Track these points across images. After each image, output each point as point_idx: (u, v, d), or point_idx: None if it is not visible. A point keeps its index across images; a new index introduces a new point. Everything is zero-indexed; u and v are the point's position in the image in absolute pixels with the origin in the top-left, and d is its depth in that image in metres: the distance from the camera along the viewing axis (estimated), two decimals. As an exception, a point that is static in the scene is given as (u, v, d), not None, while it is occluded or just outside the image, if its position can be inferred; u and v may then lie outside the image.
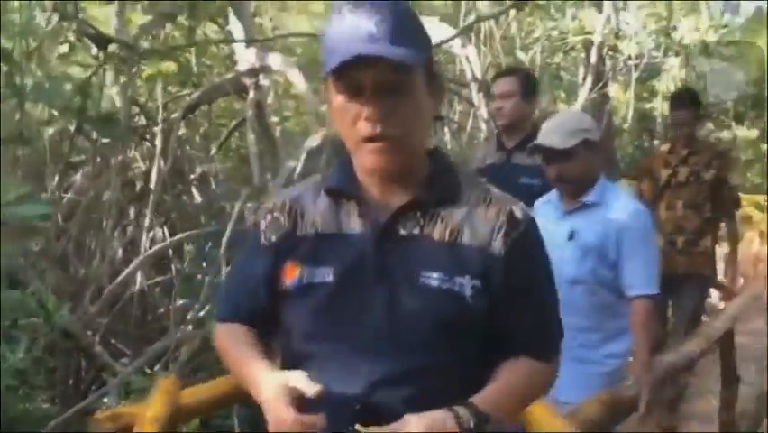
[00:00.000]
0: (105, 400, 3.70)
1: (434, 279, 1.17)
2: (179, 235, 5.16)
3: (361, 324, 1.17)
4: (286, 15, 12.64)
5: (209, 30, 7.44)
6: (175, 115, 5.85)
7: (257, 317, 1.26)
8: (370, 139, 1.14)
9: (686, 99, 3.46)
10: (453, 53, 4.82)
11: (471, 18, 5.11)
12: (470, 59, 5.03)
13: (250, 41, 5.54)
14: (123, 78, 4.71)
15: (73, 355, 4.08)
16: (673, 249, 3.37)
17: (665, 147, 3.51)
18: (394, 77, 1.11)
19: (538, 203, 2.64)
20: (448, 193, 1.23)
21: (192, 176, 6.06)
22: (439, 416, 1.09)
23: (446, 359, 1.18)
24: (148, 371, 4.19)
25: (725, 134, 11.06)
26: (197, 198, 6.11)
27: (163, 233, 6.08)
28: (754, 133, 10.89)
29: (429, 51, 1.22)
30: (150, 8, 5.97)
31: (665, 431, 3.33)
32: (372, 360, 1.16)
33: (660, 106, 9.46)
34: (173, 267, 5.81)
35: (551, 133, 2.43)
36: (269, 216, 1.27)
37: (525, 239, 1.23)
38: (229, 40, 5.28)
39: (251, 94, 6.23)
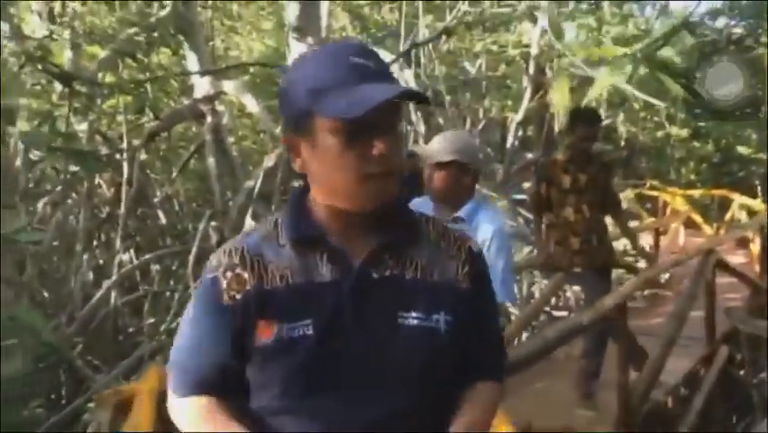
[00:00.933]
0: (88, 406, 4.15)
1: (412, 318, 1.19)
2: (147, 256, 5.60)
3: (346, 372, 1.16)
4: (237, 36, 13.08)
5: (163, 57, 7.90)
6: (136, 143, 6.31)
7: (226, 384, 1.21)
8: (382, 174, 1.14)
9: (590, 118, 4.02)
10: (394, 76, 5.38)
11: (408, 44, 5.68)
12: (408, 82, 5.60)
13: (205, 72, 6.02)
14: (89, 112, 5.14)
15: (56, 369, 4.49)
16: (590, 247, 3.93)
17: (563, 156, 3.98)
18: (393, 115, 1.14)
19: (414, 204, 2.69)
20: (411, 233, 1.25)
21: (156, 199, 6.50)
22: None
23: (431, 395, 1.20)
24: (124, 382, 4.63)
25: (659, 134, 11.92)
26: (162, 219, 6.56)
27: (130, 255, 6.51)
28: (684, 132, 11.73)
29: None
30: (105, 43, 6.43)
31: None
32: (357, 408, 1.16)
33: (600, 98, 10.21)
34: (140, 287, 6.25)
35: (452, 152, 2.54)
36: (229, 273, 1.20)
37: (483, 272, 1.30)
38: (186, 72, 5.75)
39: (209, 118, 6.73)
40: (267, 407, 1.19)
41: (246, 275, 1.19)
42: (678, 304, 4.15)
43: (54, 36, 5.01)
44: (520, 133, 11.62)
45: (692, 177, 11.55)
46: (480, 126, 11.50)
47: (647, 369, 3.65)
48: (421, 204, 2.64)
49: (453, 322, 1.21)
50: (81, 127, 5.56)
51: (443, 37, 6.02)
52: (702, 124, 10.30)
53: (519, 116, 10.22)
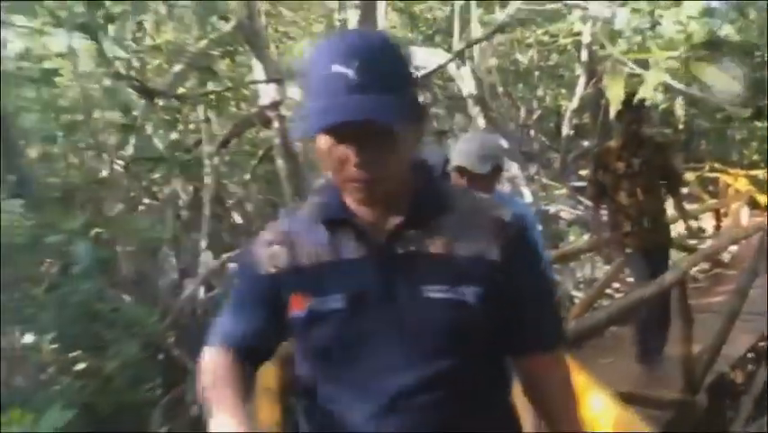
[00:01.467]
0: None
1: (437, 291, 1.21)
2: (229, 254, 6.07)
3: (375, 344, 1.22)
4: (290, 41, 13.60)
5: (226, 66, 8.41)
6: (210, 149, 6.80)
7: (252, 345, 1.30)
8: (353, 181, 1.17)
9: (632, 102, 4.24)
10: (451, 74, 5.68)
11: (462, 44, 5.97)
12: (464, 79, 5.91)
13: (273, 81, 6.46)
14: (176, 124, 5.65)
15: (156, 357, 4.99)
16: (641, 229, 4.03)
17: (615, 143, 4.10)
18: (377, 128, 1.13)
19: None
20: (437, 206, 1.27)
21: (230, 201, 6.99)
22: None
23: (459, 365, 1.23)
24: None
25: (718, 115, 11.81)
26: (237, 219, 7.04)
27: (208, 255, 7.02)
28: (746, 112, 11.58)
29: (410, 88, 1.21)
30: (175, 56, 6.95)
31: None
32: (389, 376, 1.21)
33: (652, 96, 10.23)
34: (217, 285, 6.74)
35: (471, 157, 2.69)
36: (267, 249, 1.29)
37: (518, 241, 1.28)
38: (256, 81, 6.20)
39: (276, 123, 7.17)
40: (308, 375, 1.28)
41: (282, 251, 1.27)
42: (739, 280, 4.32)
43: (140, 55, 5.52)
44: (575, 121, 11.72)
45: (755, 157, 11.42)
46: (535, 116, 11.65)
47: (711, 341, 3.85)
48: None
49: (485, 294, 1.22)
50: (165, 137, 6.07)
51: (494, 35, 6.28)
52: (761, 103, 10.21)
53: (574, 104, 10.35)
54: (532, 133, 12.25)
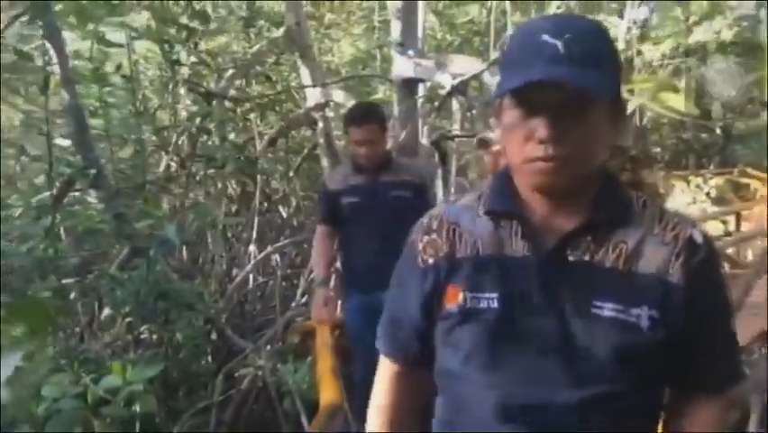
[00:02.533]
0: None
1: (607, 309, 1.12)
2: (277, 244, 6.66)
3: (529, 353, 1.14)
4: (330, 42, 14.14)
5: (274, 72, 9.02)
6: (260, 148, 7.40)
7: (417, 345, 1.30)
8: (541, 159, 1.10)
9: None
10: (485, 83, 6.15)
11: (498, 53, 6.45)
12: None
13: (322, 84, 7.03)
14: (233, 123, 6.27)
15: (209, 337, 5.60)
16: None
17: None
18: (574, 100, 1.08)
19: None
20: (619, 215, 1.18)
21: (276, 196, 7.59)
22: None
23: (621, 391, 1.14)
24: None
25: (751, 122, 12.01)
26: (283, 214, 7.64)
27: (255, 246, 7.62)
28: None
29: (617, 77, 1.15)
30: (228, 61, 7.57)
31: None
32: (541, 391, 1.13)
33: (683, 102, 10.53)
34: (263, 274, 7.34)
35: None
36: (426, 238, 1.26)
37: (706, 266, 1.17)
38: (305, 85, 6.78)
39: (320, 124, 7.73)
40: (451, 370, 1.23)
41: (440, 241, 1.24)
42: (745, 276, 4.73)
43: (205, 62, 6.14)
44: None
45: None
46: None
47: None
48: None
49: (660, 319, 1.13)
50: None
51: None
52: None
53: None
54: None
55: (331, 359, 3.09)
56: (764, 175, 9.34)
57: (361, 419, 3.70)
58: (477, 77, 5.86)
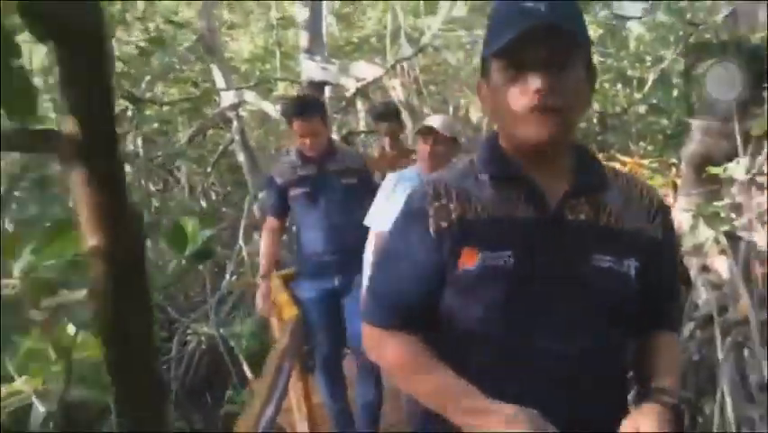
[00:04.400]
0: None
1: (606, 261, 1.26)
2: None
3: (542, 306, 1.25)
4: (231, 41, 14.63)
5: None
6: (180, 147, 8.20)
7: (427, 314, 1.32)
8: (537, 110, 1.18)
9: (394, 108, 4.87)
10: (384, 85, 7.23)
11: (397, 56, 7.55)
12: (396, 88, 7.48)
13: (238, 88, 7.91)
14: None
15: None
16: None
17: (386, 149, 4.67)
18: (562, 51, 1.17)
19: (395, 177, 3.13)
20: (601, 180, 1.32)
21: (199, 189, 8.42)
22: (664, 416, 1.22)
23: (614, 337, 1.30)
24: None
25: (617, 109, 13.83)
26: (203, 205, 8.48)
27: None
28: (642, 108, 13.64)
29: (587, 35, 1.25)
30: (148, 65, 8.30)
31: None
32: (551, 340, 1.25)
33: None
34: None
35: (437, 122, 2.94)
36: (436, 203, 1.30)
37: (671, 224, 1.38)
38: (221, 89, 7.64)
39: (235, 123, 8.59)
40: (463, 334, 1.29)
41: (452, 205, 1.29)
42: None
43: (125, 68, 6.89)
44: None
45: (649, 148, 13.45)
46: (462, 113, 13.33)
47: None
48: (407, 175, 3.07)
49: (641, 269, 1.29)
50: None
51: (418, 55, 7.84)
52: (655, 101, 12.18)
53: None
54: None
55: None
56: (629, 159, 10.96)
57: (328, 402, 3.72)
58: (377, 81, 6.90)
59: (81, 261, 1.30)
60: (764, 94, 3.74)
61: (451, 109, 13.72)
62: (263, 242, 3.80)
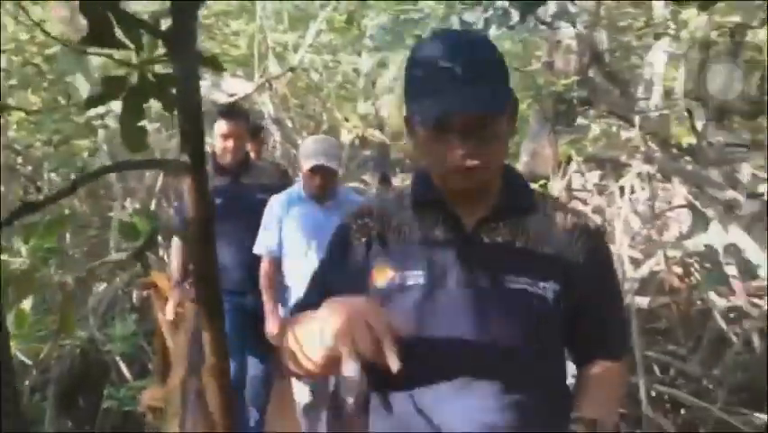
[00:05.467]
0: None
1: (519, 283, 1.31)
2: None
3: (451, 325, 1.30)
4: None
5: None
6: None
7: None
8: (461, 170, 1.27)
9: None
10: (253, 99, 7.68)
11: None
12: (265, 103, 7.98)
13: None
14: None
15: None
16: None
17: None
18: (482, 119, 1.24)
19: (284, 198, 3.35)
20: (524, 203, 1.39)
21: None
22: None
23: (529, 360, 1.33)
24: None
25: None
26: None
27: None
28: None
29: (508, 84, 1.31)
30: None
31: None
32: (458, 358, 1.30)
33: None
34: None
35: (325, 156, 3.16)
36: (359, 221, 1.41)
37: (600, 248, 1.42)
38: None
39: (101, 132, 8.73)
40: None
41: (372, 224, 1.40)
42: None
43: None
44: (359, 133, 14.22)
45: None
46: (325, 127, 13.94)
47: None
48: (291, 192, 3.35)
49: (561, 292, 1.34)
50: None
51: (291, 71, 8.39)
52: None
53: (355, 121, 12.80)
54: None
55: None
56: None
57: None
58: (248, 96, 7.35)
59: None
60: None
61: (324, 127, 14.34)
62: (174, 250, 3.76)
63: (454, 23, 7.47)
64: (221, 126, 3.56)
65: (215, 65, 1.17)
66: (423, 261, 1.35)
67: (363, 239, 1.41)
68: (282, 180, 3.90)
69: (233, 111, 3.65)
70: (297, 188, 3.44)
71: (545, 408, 1.36)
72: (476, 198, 1.38)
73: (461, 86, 1.23)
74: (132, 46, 1.16)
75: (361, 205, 1.51)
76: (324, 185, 3.28)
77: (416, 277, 1.34)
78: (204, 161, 1.20)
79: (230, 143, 3.57)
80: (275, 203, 3.44)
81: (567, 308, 1.36)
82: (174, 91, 1.16)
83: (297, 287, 3.33)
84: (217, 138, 3.59)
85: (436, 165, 1.33)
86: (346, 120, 11.75)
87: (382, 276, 1.36)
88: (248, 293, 3.59)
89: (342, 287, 1.36)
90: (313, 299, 1.37)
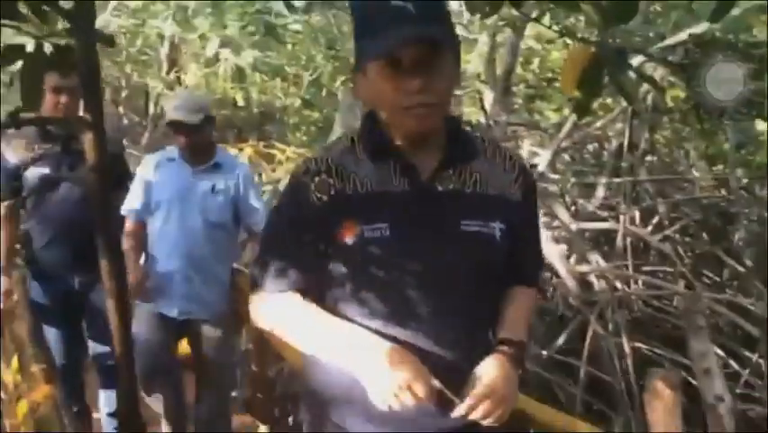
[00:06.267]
0: None
1: (472, 225, 1.40)
2: None
3: (416, 270, 1.39)
4: None
5: None
6: None
7: (311, 279, 1.44)
8: (415, 107, 1.32)
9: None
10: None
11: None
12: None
13: None
14: None
15: None
16: None
17: None
18: (432, 54, 1.29)
19: (155, 158, 3.19)
20: (470, 151, 1.46)
21: None
22: (502, 364, 1.40)
23: (482, 294, 1.46)
24: None
25: (278, 104, 15.33)
26: None
27: None
28: (297, 102, 15.35)
29: (453, 26, 1.42)
30: None
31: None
32: (424, 300, 1.39)
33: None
34: None
35: (185, 111, 2.94)
36: (316, 179, 1.41)
37: (532, 187, 1.54)
38: None
39: None
40: (341, 299, 1.44)
41: (331, 180, 1.41)
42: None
43: None
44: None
45: (304, 138, 15.15)
46: (124, 95, 13.36)
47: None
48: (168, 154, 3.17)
49: (506, 230, 1.44)
50: None
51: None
52: (308, 97, 13.84)
53: (158, 88, 12.45)
54: (121, 109, 14.01)
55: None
56: (287, 147, 12.33)
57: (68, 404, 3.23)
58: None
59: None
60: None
61: (109, 91, 13.69)
62: None
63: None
64: (50, 79, 2.88)
65: (110, 41, 1.40)
66: (385, 212, 1.39)
67: (324, 197, 1.42)
68: (119, 149, 3.51)
69: (64, 62, 3.14)
70: (174, 148, 3.21)
71: (479, 348, 1.46)
72: (428, 146, 1.43)
73: (413, 21, 1.29)
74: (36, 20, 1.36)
75: (309, 159, 1.50)
76: (191, 144, 3.08)
77: (381, 229, 1.38)
78: (102, 118, 1.44)
79: (61, 99, 2.97)
80: (144, 162, 3.29)
81: (509, 244, 1.47)
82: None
83: (159, 253, 3.24)
84: (48, 91, 2.97)
85: (389, 106, 1.36)
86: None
87: (350, 233, 1.39)
88: (73, 277, 3.31)
89: (307, 249, 1.43)
90: (281, 284, 1.45)
